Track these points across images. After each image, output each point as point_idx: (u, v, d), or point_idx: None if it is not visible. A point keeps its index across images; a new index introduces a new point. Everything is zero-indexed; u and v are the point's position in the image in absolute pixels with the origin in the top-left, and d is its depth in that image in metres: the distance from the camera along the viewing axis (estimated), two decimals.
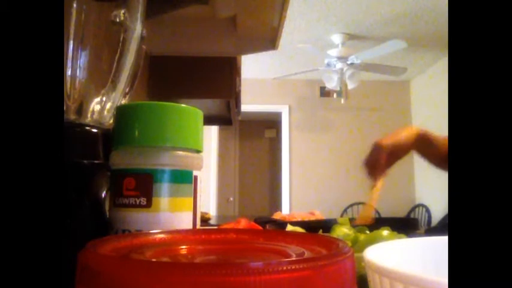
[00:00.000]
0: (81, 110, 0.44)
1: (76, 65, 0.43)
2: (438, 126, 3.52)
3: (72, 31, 0.42)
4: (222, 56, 1.35)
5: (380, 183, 0.88)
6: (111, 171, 0.36)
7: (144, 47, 0.50)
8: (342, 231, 0.47)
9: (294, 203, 4.57)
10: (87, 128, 0.40)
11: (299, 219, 0.95)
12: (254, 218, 0.90)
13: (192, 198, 0.36)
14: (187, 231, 0.30)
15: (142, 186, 0.34)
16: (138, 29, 0.48)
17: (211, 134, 4.62)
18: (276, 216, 1.06)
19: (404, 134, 0.91)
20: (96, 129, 0.40)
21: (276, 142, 5.34)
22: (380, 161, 0.88)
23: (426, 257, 0.28)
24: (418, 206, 4.38)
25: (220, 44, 1.30)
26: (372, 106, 4.69)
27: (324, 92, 4.61)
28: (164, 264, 0.18)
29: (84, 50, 0.44)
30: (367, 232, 0.46)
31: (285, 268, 0.16)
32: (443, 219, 3.53)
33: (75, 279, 0.19)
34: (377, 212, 4.33)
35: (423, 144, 0.93)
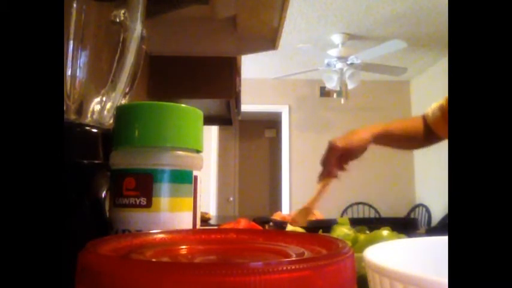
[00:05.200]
0: (81, 110, 0.44)
1: (76, 65, 0.43)
2: None
3: (72, 31, 0.42)
4: (222, 56, 1.35)
5: (324, 184, 0.86)
6: (111, 171, 0.36)
7: (144, 47, 0.50)
8: (342, 231, 0.47)
9: (294, 203, 4.57)
10: (87, 128, 0.40)
11: None
12: (253, 218, 0.90)
13: (192, 198, 0.36)
14: (187, 231, 0.30)
15: (142, 186, 0.34)
16: (138, 29, 0.48)
17: (211, 134, 4.62)
18: (276, 216, 1.05)
19: (357, 138, 0.90)
20: (96, 129, 0.40)
21: (276, 142, 5.34)
22: (328, 161, 0.87)
23: (426, 257, 0.28)
24: (418, 206, 4.38)
25: (220, 44, 1.30)
26: (372, 106, 4.69)
27: (324, 92, 4.61)
28: (164, 264, 0.18)
29: (84, 50, 0.44)
30: (367, 232, 0.46)
31: (285, 268, 0.16)
32: (443, 219, 3.53)
33: (75, 279, 0.19)
34: (377, 212, 4.35)
35: (384, 139, 0.95)
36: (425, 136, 0.99)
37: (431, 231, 1.06)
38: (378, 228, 0.43)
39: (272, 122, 5.44)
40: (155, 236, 0.26)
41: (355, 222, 0.53)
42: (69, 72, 0.42)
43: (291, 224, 0.65)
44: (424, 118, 1.02)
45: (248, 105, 4.06)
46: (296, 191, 4.60)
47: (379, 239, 0.40)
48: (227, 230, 0.28)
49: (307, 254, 0.22)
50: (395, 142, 1.05)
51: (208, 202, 4.52)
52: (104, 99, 0.45)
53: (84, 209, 0.37)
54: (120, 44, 0.46)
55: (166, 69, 1.33)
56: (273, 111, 4.83)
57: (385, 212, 4.38)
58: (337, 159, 0.88)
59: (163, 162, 0.34)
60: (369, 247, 0.25)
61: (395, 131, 0.98)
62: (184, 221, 0.35)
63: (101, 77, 0.46)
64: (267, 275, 0.16)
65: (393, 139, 1.00)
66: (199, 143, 0.37)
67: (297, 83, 4.68)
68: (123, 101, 0.49)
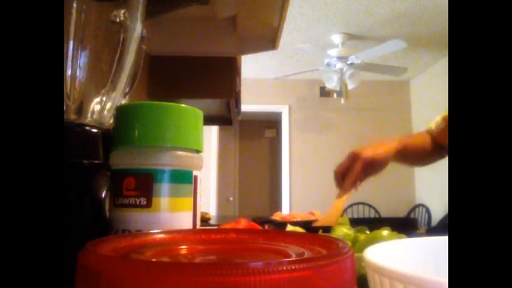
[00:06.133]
0: (81, 110, 0.44)
1: (76, 65, 0.43)
2: None
3: (72, 31, 0.42)
4: (222, 56, 1.35)
5: (347, 195, 0.86)
6: (111, 171, 0.36)
7: (144, 47, 0.50)
8: (342, 231, 0.47)
9: (294, 203, 4.57)
10: (87, 128, 0.40)
11: (299, 219, 0.95)
12: (253, 218, 0.89)
13: (192, 198, 0.36)
14: (187, 231, 0.30)
15: (142, 186, 0.34)
16: (138, 29, 0.48)
17: (211, 134, 4.62)
18: (276, 216, 1.06)
19: (383, 150, 0.90)
20: (96, 129, 0.40)
21: (276, 142, 5.34)
22: (353, 172, 0.86)
23: (426, 257, 0.28)
24: (418, 206, 4.38)
25: (220, 44, 1.30)
26: (372, 106, 4.69)
27: (324, 92, 4.61)
28: (164, 264, 0.18)
29: (84, 50, 0.44)
30: (367, 232, 0.46)
31: (285, 268, 0.16)
32: (443, 219, 3.53)
33: (75, 279, 0.19)
34: (377, 212, 4.35)
35: (402, 155, 0.95)
36: (434, 150, 1.01)
37: (431, 231, 1.06)
38: (378, 228, 0.43)
39: (272, 122, 5.44)
40: (155, 236, 0.26)
41: (355, 222, 0.53)
42: (69, 72, 0.42)
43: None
44: (429, 133, 1.03)
45: (248, 105, 4.06)
46: (296, 191, 4.60)
47: (379, 239, 0.40)
48: (227, 230, 0.28)
49: (307, 254, 0.22)
50: (410, 159, 1.06)
51: (208, 202, 4.52)
52: (104, 99, 0.45)
53: (84, 209, 0.37)
54: (120, 44, 0.46)
55: (166, 69, 1.33)
56: (273, 111, 4.83)
57: (385, 212, 4.38)
58: (361, 170, 0.86)
59: (163, 162, 0.34)
60: (369, 247, 0.25)
61: (410, 148, 0.99)
62: (184, 221, 0.35)
63: (101, 77, 0.46)
64: (267, 275, 0.16)
65: (408, 156, 1.01)
66: (199, 143, 0.37)
67: (297, 83, 4.68)
68: (123, 101, 0.49)
